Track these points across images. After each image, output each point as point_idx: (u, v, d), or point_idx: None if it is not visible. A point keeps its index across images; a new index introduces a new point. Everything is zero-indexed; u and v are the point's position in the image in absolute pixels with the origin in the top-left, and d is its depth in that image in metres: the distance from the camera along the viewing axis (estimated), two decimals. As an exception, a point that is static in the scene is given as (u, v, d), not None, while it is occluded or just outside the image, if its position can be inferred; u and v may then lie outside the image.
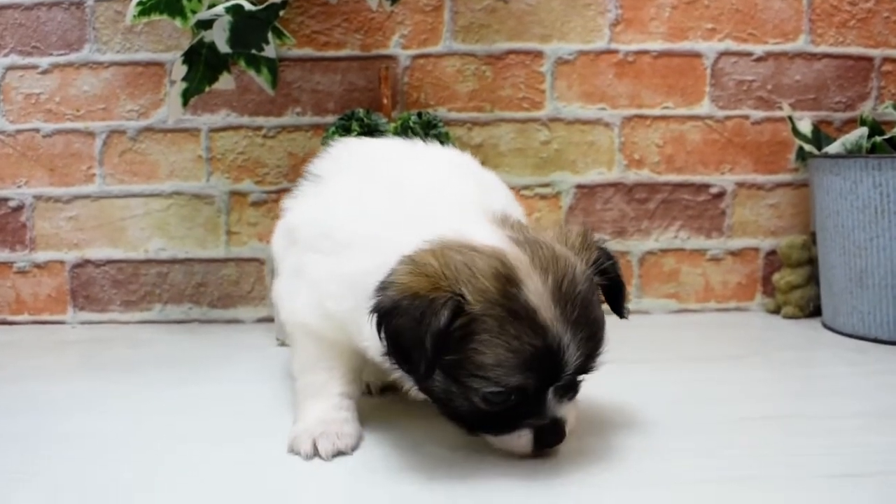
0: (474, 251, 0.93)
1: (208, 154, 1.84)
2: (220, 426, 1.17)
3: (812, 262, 1.82)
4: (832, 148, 1.69)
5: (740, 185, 1.89)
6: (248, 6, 1.45)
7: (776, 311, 1.87)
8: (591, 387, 1.33)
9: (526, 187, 1.85)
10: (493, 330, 0.89)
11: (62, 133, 1.84)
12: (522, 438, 0.97)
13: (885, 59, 1.89)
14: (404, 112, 1.70)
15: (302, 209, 1.19)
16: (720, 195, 1.89)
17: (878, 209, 1.58)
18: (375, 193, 1.07)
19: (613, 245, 1.86)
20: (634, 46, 1.85)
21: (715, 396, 1.29)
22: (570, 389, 0.98)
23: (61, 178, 1.85)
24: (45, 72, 1.83)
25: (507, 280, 0.90)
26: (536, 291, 0.90)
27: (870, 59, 1.89)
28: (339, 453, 1.03)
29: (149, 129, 1.83)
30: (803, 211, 1.90)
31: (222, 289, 1.87)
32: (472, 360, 0.90)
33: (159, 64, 1.82)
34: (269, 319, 1.80)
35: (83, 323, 1.86)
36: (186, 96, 1.60)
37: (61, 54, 1.82)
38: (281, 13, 1.54)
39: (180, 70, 1.58)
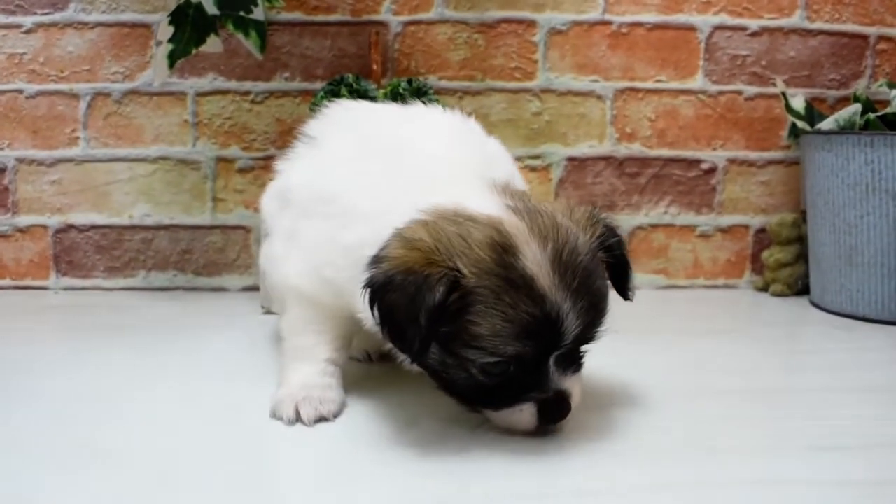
0: (470, 220, 0.91)
1: (195, 119, 1.81)
2: (203, 393, 1.16)
3: (802, 240, 1.82)
4: (825, 124, 1.68)
5: (732, 161, 1.88)
6: (236, -34, 1.43)
7: (765, 288, 1.86)
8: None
9: (516, 159, 1.81)
10: (489, 300, 0.87)
11: (46, 94, 1.80)
12: (525, 413, 0.94)
13: (881, 38, 1.88)
14: (394, 79, 1.68)
15: (297, 171, 1.18)
16: (711, 171, 1.88)
17: (870, 186, 1.57)
18: (375, 159, 1.05)
19: (603, 219, 1.85)
20: (628, 18, 1.83)
21: (699, 370, 1.29)
22: (573, 361, 0.95)
23: (45, 141, 1.82)
24: (28, 31, 1.79)
25: (503, 249, 0.88)
26: (534, 259, 0.88)
27: (865, 37, 1.88)
28: (322, 419, 1.02)
29: (134, 92, 1.80)
30: (794, 189, 1.89)
31: (208, 256, 1.85)
32: (468, 332, 0.88)
33: (146, 25, 1.78)
34: (255, 288, 1.79)
35: (66, 289, 1.84)
36: (173, 58, 1.57)
37: (46, 13, 1.79)
38: (270, -25, 1.52)
39: (167, 31, 1.55)
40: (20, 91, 1.80)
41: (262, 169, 1.81)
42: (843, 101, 1.83)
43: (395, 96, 1.60)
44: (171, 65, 1.57)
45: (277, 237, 1.18)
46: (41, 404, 1.11)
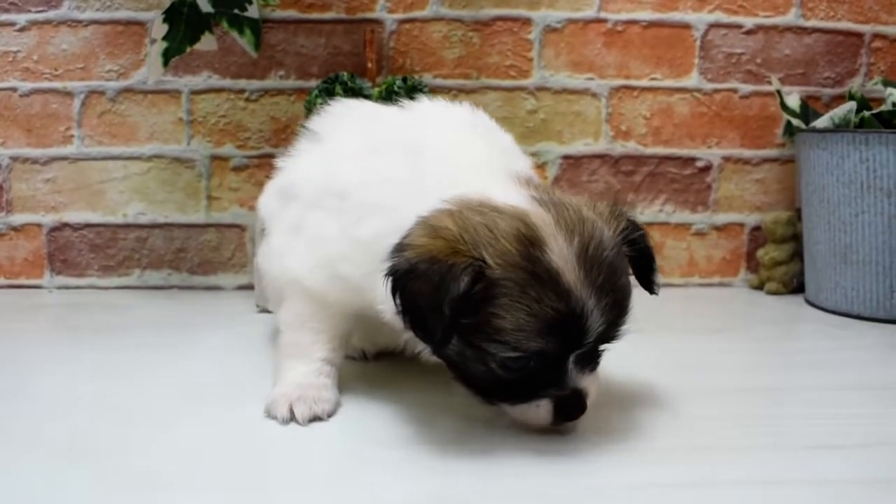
0: (496, 212, 0.90)
1: (189, 117, 1.81)
2: (197, 392, 1.16)
3: (797, 238, 1.82)
4: (820, 122, 1.68)
5: (727, 159, 1.88)
6: (230, -36, 1.42)
7: (760, 286, 1.86)
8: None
9: (511, 157, 1.82)
10: (514, 293, 0.86)
11: (40, 92, 1.80)
12: (542, 409, 0.92)
13: (875, 36, 1.88)
14: (389, 77, 1.68)
15: (302, 167, 1.16)
16: (706, 169, 1.88)
17: (864, 184, 1.58)
18: (390, 153, 1.03)
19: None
20: (624, 16, 1.83)
21: (694, 367, 1.29)
22: (592, 359, 0.95)
23: (39, 139, 1.81)
24: (22, 29, 1.79)
25: (529, 242, 0.87)
26: (560, 253, 0.87)
27: (860, 35, 1.88)
28: (316, 418, 1.01)
29: (128, 90, 1.80)
30: (789, 187, 1.89)
31: (202, 255, 1.84)
32: (490, 324, 0.87)
33: (140, 23, 1.78)
34: (250, 287, 1.78)
35: (60, 287, 1.84)
36: (167, 56, 1.56)
37: (39, 11, 1.78)
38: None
39: (161, 29, 1.55)
40: (14, 89, 1.80)
41: (256, 167, 1.80)
42: (838, 99, 1.83)
43: (390, 94, 1.59)
44: (166, 63, 1.57)
45: (277, 232, 1.17)
46: (35, 403, 1.11)
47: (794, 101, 1.77)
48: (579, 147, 1.85)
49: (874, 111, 1.65)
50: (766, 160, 1.89)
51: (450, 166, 0.98)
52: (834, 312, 1.65)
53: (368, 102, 1.29)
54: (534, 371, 0.90)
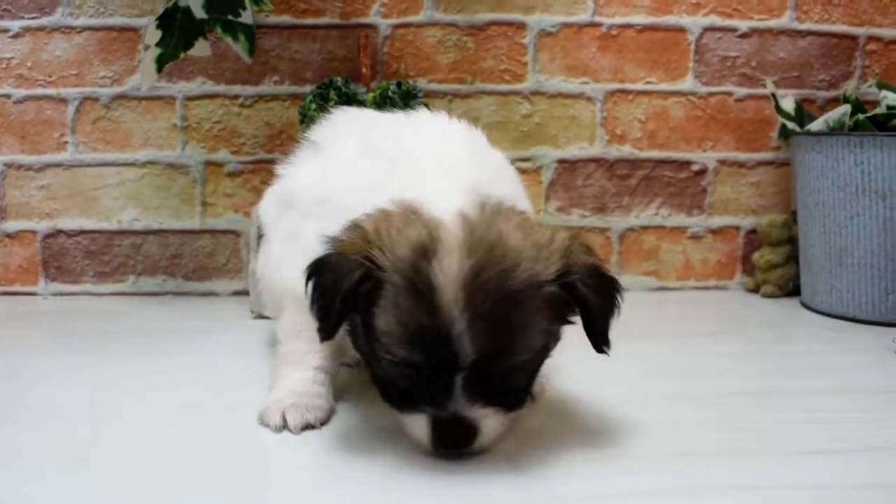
0: (415, 218, 0.89)
1: (183, 123, 1.80)
2: (191, 398, 1.16)
3: (792, 241, 1.82)
4: (815, 125, 1.68)
5: (722, 162, 1.88)
6: (223, -30, 1.42)
7: (755, 289, 1.86)
8: (567, 360, 1.32)
9: (506, 161, 1.82)
10: (391, 298, 0.87)
11: (34, 99, 1.80)
12: (419, 423, 0.90)
13: (870, 38, 1.88)
14: (383, 82, 1.68)
15: (300, 175, 1.17)
16: (702, 172, 1.88)
17: (859, 187, 1.58)
18: (372, 162, 1.04)
19: (593, 221, 1.85)
20: (618, 20, 1.83)
21: (690, 372, 1.29)
22: (487, 392, 0.88)
23: (33, 146, 1.81)
24: (16, 35, 1.78)
25: (423, 252, 0.86)
26: (447, 271, 0.85)
27: (854, 38, 1.88)
28: (308, 426, 1.01)
29: (122, 97, 1.79)
30: (784, 190, 1.89)
31: (197, 261, 1.84)
32: (373, 324, 0.88)
33: (134, 29, 1.78)
34: (245, 292, 1.78)
35: (55, 294, 1.83)
36: (161, 62, 1.56)
37: (33, 18, 1.78)
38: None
39: (154, 35, 1.55)
40: (8, 96, 1.79)
41: (251, 173, 1.80)
42: (833, 102, 1.83)
43: (385, 99, 1.59)
44: (160, 69, 1.56)
45: (276, 240, 1.18)
46: (30, 410, 1.10)
47: (788, 104, 1.77)
48: (574, 151, 1.85)
49: (869, 114, 1.65)
50: (761, 163, 1.89)
51: (415, 175, 0.98)
52: (829, 315, 1.65)
53: (369, 111, 1.29)
54: (416, 381, 0.89)
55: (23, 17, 1.78)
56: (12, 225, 1.82)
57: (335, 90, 1.62)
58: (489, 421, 0.90)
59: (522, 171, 1.81)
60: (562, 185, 1.85)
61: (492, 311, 0.85)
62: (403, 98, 1.60)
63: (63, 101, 1.80)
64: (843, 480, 0.89)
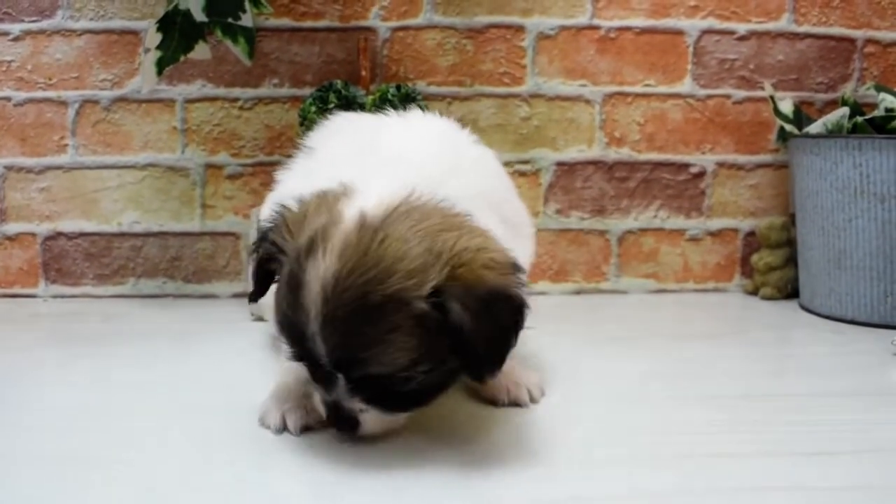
0: (327, 210, 0.90)
1: (183, 125, 1.81)
2: (191, 400, 1.16)
3: (791, 243, 1.82)
4: (813, 128, 1.69)
5: (721, 165, 1.88)
6: (223, -27, 1.43)
7: (754, 292, 1.87)
8: (566, 362, 1.33)
9: (505, 164, 1.81)
10: (281, 282, 0.91)
11: (34, 102, 1.80)
12: (317, 397, 0.95)
13: (868, 41, 1.89)
14: (383, 85, 1.68)
15: (292, 179, 1.18)
16: (700, 175, 1.88)
17: (858, 190, 1.58)
18: (350, 160, 1.05)
19: (592, 223, 1.86)
20: (617, 22, 1.83)
21: (689, 374, 1.29)
22: (363, 390, 0.89)
23: (33, 149, 1.81)
24: (16, 38, 1.79)
25: (310, 246, 0.87)
26: (316, 271, 0.85)
27: (852, 41, 1.88)
28: (308, 428, 1.01)
29: (123, 100, 1.80)
30: (783, 192, 1.89)
31: (197, 263, 1.84)
32: None
33: (134, 32, 1.78)
34: (245, 295, 1.78)
35: (55, 297, 1.83)
36: (161, 65, 1.57)
37: (33, 21, 1.78)
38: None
39: (154, 38, 1.55)
40: (8, 99, 1.79)
41: (251, 175, 1.80)
42: (831, 105, 1.84)
43: (384, 102, 1.60)
44: (160, 72, 1.57)
45: None
46: (30, 412, 1.10)
47: (787, 106, 1.77)
48: (573, 154, 1.85)
49: (867, 116, 1.65)
50: (759, 166, 1.89)
51: (370, 165, 0.99)
52: (828, 317, 1.65)
53: (365, 115, 1.29)
54: (308, 360, 0.91)
55: (23, 20, 1.78)
56: (12, 227, 1.82)
57: (335, 93, 1.63)
58: (368, 416, 0.92)
59: (521, 174, 1.83)
60: (561, 187, 1.85)
61: (344, 320, 0.84)
62: (403, 100, 1.60)
63: (63, 103, 1.80)
64: (843, 482, 0.89)
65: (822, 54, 1.87)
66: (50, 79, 1.79)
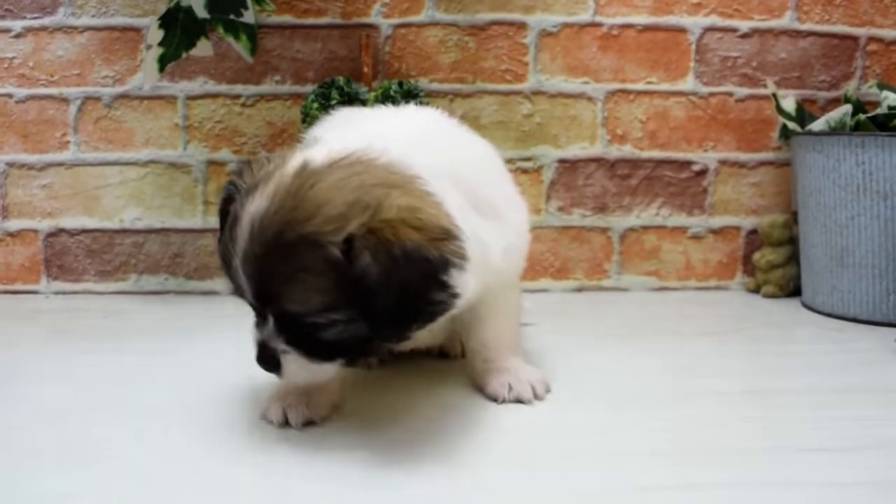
0: (280, 159, 0.94)
1: (185, 122, 1.81)
2: (193, 396, 1.16)
3: (793, 241, 1.82)
4: (816, 125, 1.69)
5: (723, 162, 1.88)
6: (225, -31, 1.43)
7: (756, 290, 1.86)
8: (568, 359, 1.32)
9: (507, 161, 1.81)
10: (228, 219, 0.94)
11: (36, 99, 1.80)
12: (253, 334, 0.98)
13: (871, 39, 1.88)
14: (385, 81, 1.68)
15: None
16: (702, 172, 1.88)
17: (860, 187, 1.58)
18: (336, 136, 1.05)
19: (594, 221, 1.86)
20: (619, 20, 1.83)
21: (691, 371, 1.29)
22: (287, 331, 0.93)
23: (35, 145, 1.81)
24: (18, 35, 1.79)
25: (253, 188, 0.91)
26: (248, 208, 0.89)
27: (855, 38, 1.88)
28: (310, 422, 1.01)
29: (124, 96, 1.80)
30: (785, 190, 1.89)
31: (199, 259, 1.84)
32: None
33: (136, 29, 1.78)
34: (246, 291, 1.78)
35: (57, 293, 1.84)
36: (163, 62, 1.57)
37: (35, 18, 1.78)
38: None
39: (156, 35, 1.55)
40: (10, 95, 1.80)
41: (253, 172, 1.80)
42: (834, 103, 1.84)
43: (386, 99, 1.60)
44: (162, 68, 1.57)
45: None
46: (32, 408, 1.10)
47: (789, 104, 1.77)
48: (575, 151, 1.85)
49: (870, 114, 1.65)
50: (762, 163, 1.89)
51: (349, 136, 0.98)
52: (830, 315, 1.65)
53: (365, 108, 1.29)
54: (239, 294, 0.95)
55: (25, 17, 1.78)
56: (14, 224, 1.82)
57: (337, 90, 1.63)
58: (290, 358, 0.95)
59: (523, 171, 1.82)
60: (563, 184, 1.85)
61: (262, 256, 0.88)
62: (405, 97, 1.60)
63: (65, 100, 1.80)
64: (844, 478, 0.89)
65: (824, 52, 1.87)
66: (52, 75, 1.79)
